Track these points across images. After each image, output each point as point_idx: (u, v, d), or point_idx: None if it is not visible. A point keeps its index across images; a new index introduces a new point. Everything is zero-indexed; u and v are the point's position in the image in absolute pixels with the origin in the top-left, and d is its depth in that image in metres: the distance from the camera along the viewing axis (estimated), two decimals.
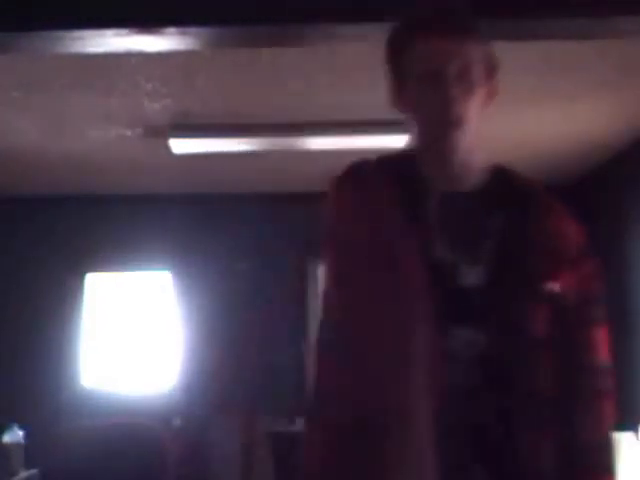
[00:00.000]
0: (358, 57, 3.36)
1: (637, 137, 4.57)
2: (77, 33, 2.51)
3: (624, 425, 4.32)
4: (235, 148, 4.43)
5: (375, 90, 3.84)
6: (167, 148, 4.44)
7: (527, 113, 4.17)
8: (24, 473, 4.66)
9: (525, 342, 1.40)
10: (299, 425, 5.28)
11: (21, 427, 4.86)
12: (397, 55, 1.46)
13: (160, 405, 5.40)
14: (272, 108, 4.06)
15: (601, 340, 1.47)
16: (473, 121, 1.42)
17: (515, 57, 3.44)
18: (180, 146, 4.39)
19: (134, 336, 5.68)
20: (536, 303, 1.40)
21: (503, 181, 1.47)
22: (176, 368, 5.59)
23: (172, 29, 2.51)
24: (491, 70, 1.46)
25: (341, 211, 1.45)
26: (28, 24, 2.49)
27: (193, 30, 2.54)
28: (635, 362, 4.57)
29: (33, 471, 4.39)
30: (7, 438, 4.80)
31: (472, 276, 1.39)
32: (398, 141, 4.38)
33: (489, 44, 1.46)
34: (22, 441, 4.82)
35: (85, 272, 5.72)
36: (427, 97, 1.41)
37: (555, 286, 1.41)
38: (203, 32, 2.56)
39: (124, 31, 2.50)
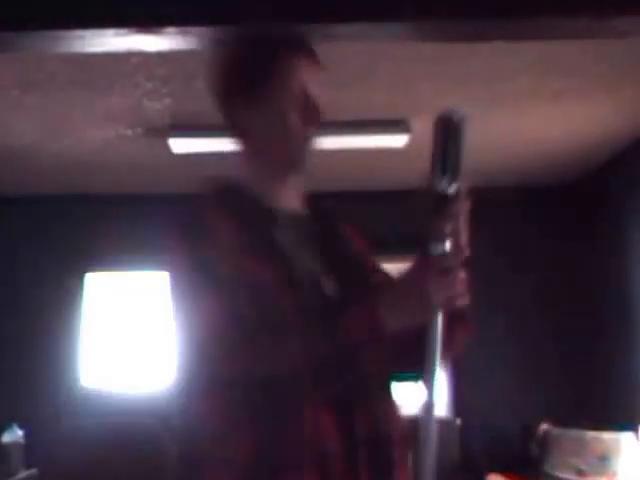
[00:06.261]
0: (358, 57, 3.36)
1: (637, 137, 4.57)
2: (77, 33, 2.52)
3: (624, 425, 4.32)
4: (235, 148, 4.42)
5: (375, 90, 3.85)
6: (167, 148, 4.44)
7: (527, 113, 4.17)
8: (23, 473, 4.66)
9: None
10: None
11: (21, 427, 4.86)
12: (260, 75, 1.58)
13: (160, 405, 5.40)
14: None
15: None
16: None
17: (515, 57, 3.45)
18: (180, 146, 4.39)
19: (134, 336, 5.68)
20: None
21: (312, 202, 1.68)
22: (175, 368, 5.59)
23: (172, 29, 2.51)
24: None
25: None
26: (28, 24, 2.49)
27: (193, 30, 2.54)
28: (635, 362, 4.57)
29: (32, 471, 4.38)
30: (7, 438, 4.80)
31: (330, 284, 1.49)
32: (397, 141, 4.38)
33: None
34: (22, 441, 4.81)
35: (85, 272, 5.71)
36: (291, 118, 1.56)
37: (374, 270, 1.62)
38: (203, 32, 2.57)
39: (124, 31, 2.50)
